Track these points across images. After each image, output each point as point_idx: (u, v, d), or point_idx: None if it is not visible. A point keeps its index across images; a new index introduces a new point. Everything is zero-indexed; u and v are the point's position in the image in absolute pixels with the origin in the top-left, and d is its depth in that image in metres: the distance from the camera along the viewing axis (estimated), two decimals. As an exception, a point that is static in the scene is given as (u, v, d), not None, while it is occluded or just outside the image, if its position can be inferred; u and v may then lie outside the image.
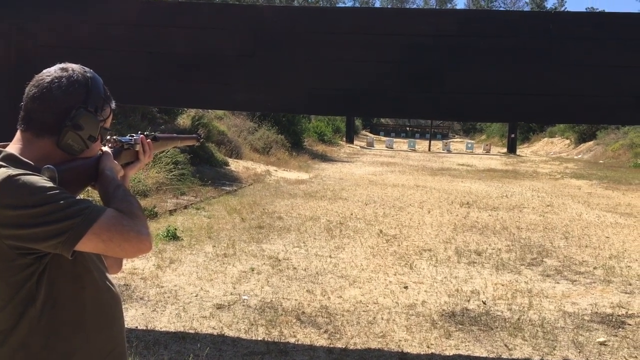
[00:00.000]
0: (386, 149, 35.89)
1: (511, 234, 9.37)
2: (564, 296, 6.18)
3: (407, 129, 61.54)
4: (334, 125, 37.10)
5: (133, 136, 1.80)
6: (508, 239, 8.97)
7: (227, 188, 13.10)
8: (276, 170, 17.47)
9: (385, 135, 53.13)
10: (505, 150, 35.69)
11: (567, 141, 35.32)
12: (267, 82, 4.20)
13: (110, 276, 1.56)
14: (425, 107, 4.43)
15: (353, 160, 25.52)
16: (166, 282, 6.06)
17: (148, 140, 1.84)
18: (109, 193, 1.49)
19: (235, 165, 16.41)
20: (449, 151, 35.63)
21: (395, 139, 43.07)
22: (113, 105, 1.58)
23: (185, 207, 10.37)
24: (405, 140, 43.22)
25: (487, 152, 34.92)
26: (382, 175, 18.78)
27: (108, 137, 1.68)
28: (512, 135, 35.35)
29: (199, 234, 8.30)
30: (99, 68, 1.74)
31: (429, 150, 36.00)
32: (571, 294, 6.26)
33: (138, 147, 1.79)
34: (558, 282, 6.70)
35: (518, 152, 34.64)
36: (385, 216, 10.58)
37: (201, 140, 2.28)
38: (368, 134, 53.80)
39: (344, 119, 39.65)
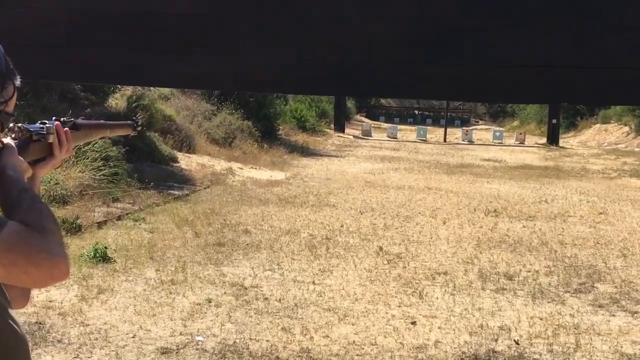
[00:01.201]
0: (388, 139, 36.10)
1: (552, 251, 9.47)
2: (621, 333, 6.26)
3: (416, 112, 62.06)
4: (318, 107, 37.25)
5: (45, 123, 1.76)
6: (548, 257, 9.06)
7: (176, 192, 13.03)
8: (241, 168, 17.45)
9: (386, 121, 53.46)
10: (544, 140, 36.10)
11: (626, 128, 35.67)
12: (229, 51, 4.18)
13: (15, 312, 1.54)
14: (439, 84, 4.45)
15: (344, 154, 25.61)
16: (93, 318, 6.00)
17: (66, 128, 1.80)
18: (11, 200, 1.45)
19: (187, 162, 16.34)
20: (470, 142, 35.97)
21: (399, 126, 43.31)
22: (18, 81, 1.55)
23: (119, 218, 10.30)
24: (413, 128, 43.50)
25: (521, 143, 35.31)
26: (382, 174, 18.86)
27: (11, 124, 1.65)
28: (554, 121, 35.72)
29: (138, 254, 8.24)
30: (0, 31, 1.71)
31: (445, 140, 36.31)
32: (631, 330, 6.34)
33: (52, 138, 1.75)
34: (614, 315, 6.78)
35: (561, 142, 35.03)
36: (387, 228, 10.62)
37: (139, 128, 2.26)
38: (364, 119, 54.09)
39: (332, 100, 39.80)
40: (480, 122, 62.55)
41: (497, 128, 46.59)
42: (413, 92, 4.82)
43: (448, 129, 39.22)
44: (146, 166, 14.40)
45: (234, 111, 22.25)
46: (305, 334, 5.86)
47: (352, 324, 6.18)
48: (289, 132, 29.32)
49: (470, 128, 44.44)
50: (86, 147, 11.62)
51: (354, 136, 36.28)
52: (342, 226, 10.64)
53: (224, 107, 22.14)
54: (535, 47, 4.30)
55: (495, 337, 6.00)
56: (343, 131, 37.17)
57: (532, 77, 4.53)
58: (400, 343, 5.76)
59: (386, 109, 62.81)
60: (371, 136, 37.26)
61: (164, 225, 10.05)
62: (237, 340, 5.63)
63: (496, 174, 19.85)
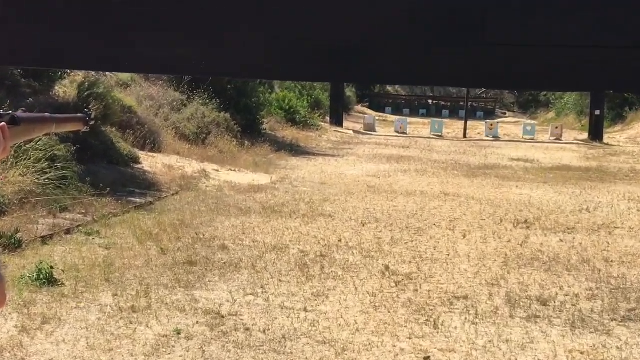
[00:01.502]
0: (395, 134, 36.16)
1: (595, 270, 9.49)
2: (679, 369, 6.26)
3: (430, 102, 62.21)
4: (310, 96, 37.32)
5: (-24, 117, 1.76)
6: (590, 278, 9.07)
7: (138, 200, 13.01)
8: (217, 171, 17.44)
9: (394, 113, 53.61)
10: (585, 135, 36.21)
11: (684, 121, 35.95)
12: (202, 28, 4.18)
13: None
14: (456, 68, 4.46)
15: (342, 153, 25.63)
16: (36, 354, 5.98)
17: (2, 123, 1.80)
18: None
19: (151, 163, 16.32)
20: (495, 138, 36.07)
21: (410, 119, 43.38)
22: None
23: (69, 232, 10.27)
24: (426, 121, 43.57)
25: (557, 138, 35.44)
26: (388, 177, 18.88)
27: None
28: (597, 113, 35.81)
29: (91, 275, 8.22)
30: None
31: (465, 136, 36.39)
32: (690, 366, 6.35)
33: (-16, 135, 1.76)
34: (670, 347, 6.79)
35: (606, 138, 35.12)
36: (394, 243, 10.63)
37: (93, 122, 2.25)
38: (367, 110, 54.21)
39: (327, 87, 39.86)
40: (508, 113, 62.77)
41: (528, 121, 46.76)
42: (425, 78, 4.83)
43: (468, 122, 39.31)
44: (101, 168, 14.36)
45: (208, 101, 22.26)
46: (296, 373, 5.85)
47: (353, 360, 6.18)
48: (275, 126, 29.32)
49: (496, 121, 44.54)
50: (28, 146, 11.58)
51: (354, 131, 36.33)
52: (340, 240, 10.64)
53: (196, 96, 22.14)
54: (574, 23, 4.31)
55: (527, 375, 6.00)
56: (341, 125, 37.24)
57: (571, 58, 4.55)
58: (411, 383, 5.75)
59: (393, 98, 62.93)
60: (375, 131, 37.33)
61: (122, 240, 10.02)
62: (213, 381, 5.61)
63: (527, 177, 19.90)
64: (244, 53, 5.33)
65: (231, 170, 17.98)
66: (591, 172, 21.56)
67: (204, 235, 10.49)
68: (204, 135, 20.69)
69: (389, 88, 63.42)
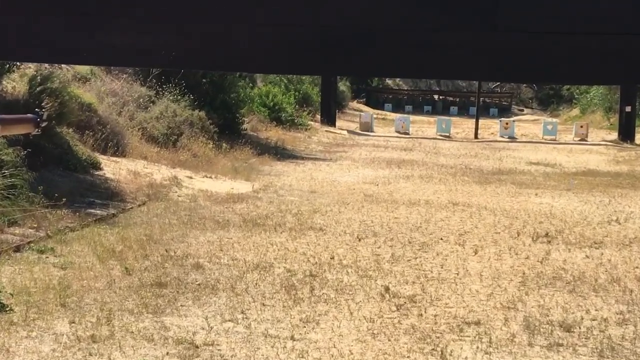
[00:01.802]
0: (396, 135, 36.24)
1: (627, 290, 9.51)
2: None
3: (435, 97, 62.31)
4: (298, 92, 37.36)
5: None
6: (621, 300, 9.09)
7: (99, 212, 12.97)
8: (191, 178, 17.42)
9: (394, 110, 53.63)
10: (614, 135, 36.32)
11: None
12: (173, 13, 4.17)
13: None
14: (465, 58, 4.45)
15: (335, 156, 25.64)
16: (-19, 392, 5.94)
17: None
18: None
19: (114, 169, 16.28)
20: (512, 138, 36.15)
21: (412, 117, 43.49)
22: None
23: (18, 249, 10.23)
24: (431, 119, 43.66)
25: (583, 139, 35.57)
26: (388, 184, 18.89)
27: None
28: (628, 109, 35.87)
29: (45, 299, 8.18)
30: None
31: (476, 136, 36.46)
32: None
33: None
34: None
35: (638, 139, 35.20)
36: (395, 261, 10.63)
37: (45, 123, 2.25)
38: (363, 107, 54.23)
39: (318, 81, 39.88)
40: (526, 110, 62.96)
41: (549, 119, 46.83)
42: (430, 70, 4.86)
43: (480, 121, 39.41)
44: (56, 175, 14.31)
45: (179, 97, 22.25)
46: (282, 411, 5.84)
47: (348, 396, 6.17)
48: (258, 125, 29.33)
49: (512, 119, 44.66)
50: (-30, 149, 11.53)
51: (348, 131, 36.36)
52: (332, 258, 10.63)
53: (166, 91, 22.12)
54: (602, 6, 4.29)
55: (548, 412, 6.01)
56: (334, 124, 37.28)
57: (597, 47, 4.51)
58: (416, 422, 5.75)
59: (394, 92, 63.02)
60: (373, 131, 37.35)
61: (81, 258, 9.98)
62: (186, 421, 5.60)
63: (548, 184, 19.95)
64: (223, 42, 5.31)
65: (207, 177, 17.96)
66: (621, 178, 21.63)
67: (175, 253, 10.45)
68: (175, 137, 20.67)
69: (389, 81, 63.54)
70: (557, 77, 5.02)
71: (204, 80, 24.11)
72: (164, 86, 22.15)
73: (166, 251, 10.50)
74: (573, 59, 4.31)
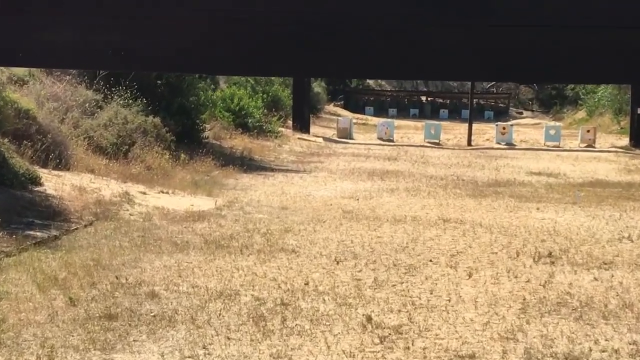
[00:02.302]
0: (379, 142, 36.29)
1: (640, 317, 9.55)
2: None
3: (423, 99, 62.52)
4: (267, 94, 37.32)
5: None
6: (634, 328, 9.12)
7: (39, 233, 12.88)
8: (144, 193, 17.34)
9: (377, 114, 53.69)
10: (625, 141, 36.49)
11: None
12: (121, 7, 4.16)
13: None
14: (457, 56, 4.46)
15: (309, 167, 25.63)
16: None
17: None
18: None
19: (56, 184, 16.18)
20: (510, 145, 36.30)
21: (397, 121, 43.59)
22: None
23: (-55, 278, 10.12)
24: (418, 124, 43.69)
25: (590, 145, 35.77)
26: (370, 198, 18.90)
27: None
28: (640, 111, 36.07)
29: (-24, 335, 8.10)
30: None
31: (469, 143, 36.58)
32: None
33: None
34: None
35: (652, 145, 35.42)
36: (379, 286, 10.62)
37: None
38: (341, 111, 54.33)
39: (289, 82, 39.83)
40: (525, 113, 63.36)
41: (552, 123, 47.16)
42: (417, 70, 4.88)
43: (474, 125, 39.56)
44: (-11, 192, 14.21)
45: (131, 101, 22.15)
46: None
47: None
48: (221, 133, 29.30)
49: (510, 123, 44.94)
50: None
51: (324, 138, 36.39)
52: (306, 284, 10.61)
53: (115, 94, 22.02)
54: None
55: None
56: (307, 131, 37.28)
57: (607, 42, 4.52)
58: None
59: (376, 94, 63.23)
60: (352, 138, 37.37)
61: (18, 287, 9.90)
62: None
63: (551, 196, 20.02)
64: (178, 39, 5.30)
65: (163, 192, 17.88)
66: (634, 189, 21.75)
67: (127, 280, 10.39)
68: (127, 147, 20.57)
69: (370, 82, 63.71)
70: (559, 76, 5.06)
71: (159, 81, 24.06)
72: (113, 89, 22.03)
73: (116, 278, 10.43)
74: (580, 55, 4.33)
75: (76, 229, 13.61)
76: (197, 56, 4.63)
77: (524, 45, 4.46)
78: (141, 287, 10.10)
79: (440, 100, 61.54)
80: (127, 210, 15.56)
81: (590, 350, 8.34)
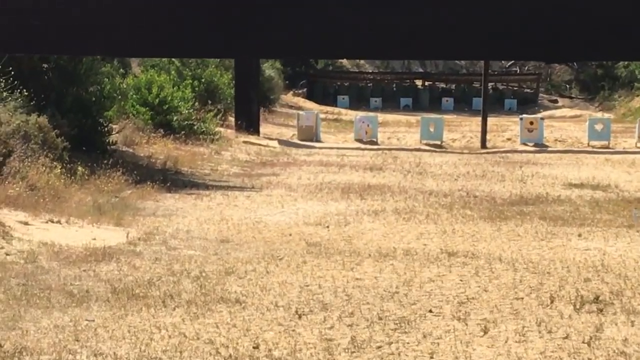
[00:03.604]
0: (357, 145, 36.30)
1: None
2: None
3: (419, 84, 62.47)
4: (199, 80, 37.23)
5: None
6: None
7: None
8: (26, 224, 17.26)
9: (353, 106, 53.71)
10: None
11: None
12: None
13: None
14: (461, 30, 4.49)
15: (260, 182, 25.64)
16: None
17: None
18: None
19: None
20: (540, 146, 36.39)
21: (382, 115, 43.60)
22: None
23: None
24: (412, 119, 43.72)
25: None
26: (346, 224, 18.91)
27: None
28: None
29: None
30: None
31: (483, 145, 36.67)
32: None
33: None
34: None
35: None
36: (359, 349, 10.62)
37: None
38: (303, 102, 54.34)
39: (230, 63, 39.77)
40: (561, 100, 63.59)
41: (598, 115, 47.36)
42: (406, 46, 4.92)
43: (491, 119, 39.72)
44: None
45: (7, 94, 22.05)
46: None
47: None
48: (135, 136, 29.25)
49: (540, 116, 45.11)
50: None
51: (280, 141, 36.45)
52: (256, 347, 10.59)
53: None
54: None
55: None
56: (257, 131, 37.30)
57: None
58: None
59: (351, 78, 63.31)
60: (319, 140, 37.42)
61: None
62: None
63: (598, 218, 20.12)
64: (81, 15, 5.28)
65: (52, 221, 17.81)
66: None
67: (1, 347, 10.32)
68: (0, 159, 20.48)
69: (344, 61, 63.82)
70: (601, 51, 5.14)
71: (44, 65, 23.94)
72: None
73: (-14, 345, 10.38)
74: (628, 28, 4.40)
75: None
76: (105, 35, 4.67)
77: (551, 12, 4.52)
78: (22, 357, 10.03)
79: (443, 86, 61.82)
80: (2, 247, 15.47)
81: None
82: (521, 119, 39.96)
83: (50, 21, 4.47)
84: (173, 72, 36.01)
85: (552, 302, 12.75)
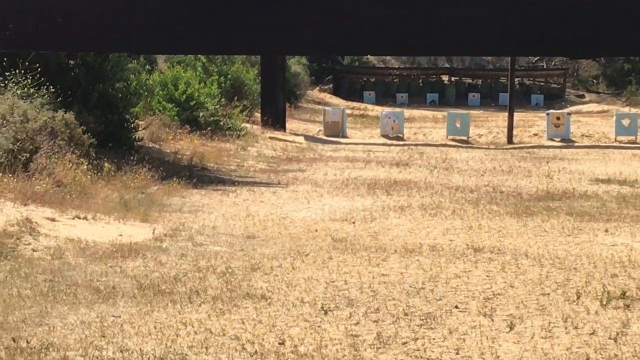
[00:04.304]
0: (384, 141, 36.25)
1: None
2: None
3: (445, 80, 62.36)
4: (226, 77, 37.22)
5: None
6: None
7: None
8: (54, 220, 17.28)
9: (379, 101, 53.68)
10: None
11: None
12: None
13: None
14: (486, 25, 4.49)
15: (285, 178, 25.63)
16: None
17: None
18: None
19: None
20: (567, 141, 36.29)
21: (409, 111, 43.54)
22: None
23: None
24: (439, 114, 43.61)
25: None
26: (372, 220, 18.92)
27: None
28: None
29: None
30: None
31: (510, 140, 36.58)
32: None
33: None
34: None
35: None
36: (385, 345, 10.60)
37: None
38: (329, 97, 54.30)
39: (256, 59, 39.73)
40: (588, 96, 63.43)
41: (626, 110, 47.13)
42: (431, 43, 4.93)
43: (517, 115, 39.61)
44: None
45: (33, 90, 22.07)
46: None
47: None
48: (161, 132, 29.28)
49: (566, 111, 44.98)
50: None
51: (306, 137, 36.41)
52: (282, 343, 10.58)
53: (11, 81, 21.97)
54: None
55: None
56: (283, 127, 37.26)
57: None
58: None
59: (378, 74, 63.29)
60: (346, 136, 37.39)
61: None
62: None
63: (626, 213, 20.05)
64: (85, 7, 5.44)
65: (79, 217, 17.84)
66: None
67: (28, 342, 10.33)
68: (27, 155, 20.50)
69: (370, 57, 63.78)
70: (629, 47, 5.14)
71: (71, 62, 23.97)
72: (7, 74, 22.00)
73: (13, 340, 10.38)
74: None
75: (-44, 272, 13.58)
76: (112, 31, 4.72)
77: (578, 8, 4.53)
78: (49, 353, 10.04)
79: (469, 81, 61.79)
80: (29, 244, 15.50)
81: None
82: (548, 114, 39.82)
83: (74, 19, 4.52)
84: (199, 68, 36.00)
85: (578, 297, 12.72)
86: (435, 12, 3.69)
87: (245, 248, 15.90)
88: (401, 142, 35.83)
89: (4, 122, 20.89)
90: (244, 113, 35.89)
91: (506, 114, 38.67)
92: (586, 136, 37.76)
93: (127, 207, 19.28)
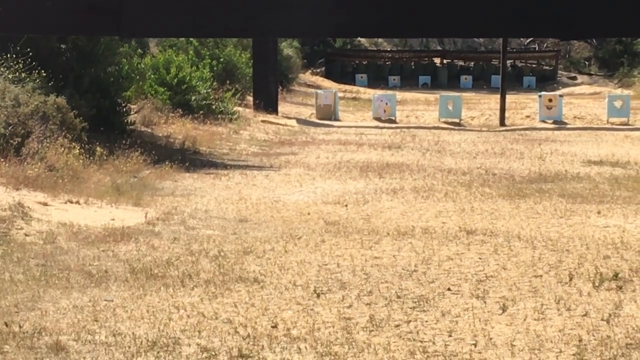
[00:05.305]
0: (376, 124, 36.25)
1: None
2: None
3: (437, 62, 62.35)
4: (219, 61, 37.17)
5: None
6: None
7: None
8: (46, 204, 17.27)
9: (371, 84, 53.67)
10: None
11: None
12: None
13: None
14: (483, 8, 4.46)
15: (278, 161, 25.63)
16: None
17: None
18: None
19: None
20: (559, 123, 36.31)
21: (401, 93, 43.53)
22: None
23: None
24: (430, 96, 43.62)
25: (670, 121, 35.85)
26: (364, 203, 18.93)
27: None
28: None
29: None
30: None
31: (502, 122, 36.61)
32: None
33: None
34: None
35: None
36: (377, 328, 10.60)
37: None
38: (322, 80, 54.28)
39: (248, 42, 39.69)
40: (580, 77, 63.43)
41: (618, 91, 47.17)
42: (428, 25, 4.91)
43: (509, 97, 39.62)
44: None
45: (25, 75, 22.04)
46: None
47: None
48: (153, 116, 29.26)
49: (559, 93, 44.96)
50: None
51: (298, 120, 36.41)
52: (274, 327, 10.58)
53: (1, 65, 21.92)
54: None
55: None
56: (275, 110, 37.24)
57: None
58: None
59: (370, 56, 63.24)
60: (338, 119, 37.40)
61: None
62: None
63: (617, 195, 20.07)
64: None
65: (71, 202, 17.82)
66: None
67: (20, 327, 10.33)
68: (19, 140, 20.48)
69: (362, 39, 63.76)
70: (620, 27, 5.13)
71: (62, 46, 23.91)
72: (-2, 56, 21.96)
73: (6, 325, 10.38)
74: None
75: (-53, 257, 13.57)
76: (107, 13, 4.69)
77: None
78: (41, 337, 10.03)
79: (461, 63, 61.76)
80: (21, 228, 15.49)
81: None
82: (540, 96, 39.82)
83: (63, 2, 4.47)
84: (191, 51, 35.95)
85: (571, 279, 12.73)
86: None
87: (237, 231, 15.91)
88: (393, 125, 35.81)
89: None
90: (236, 96, 35.86)
91: (498, 96, 38.68)
92: (578, 118, 37.76)
93: (120, 191, 19.26)
